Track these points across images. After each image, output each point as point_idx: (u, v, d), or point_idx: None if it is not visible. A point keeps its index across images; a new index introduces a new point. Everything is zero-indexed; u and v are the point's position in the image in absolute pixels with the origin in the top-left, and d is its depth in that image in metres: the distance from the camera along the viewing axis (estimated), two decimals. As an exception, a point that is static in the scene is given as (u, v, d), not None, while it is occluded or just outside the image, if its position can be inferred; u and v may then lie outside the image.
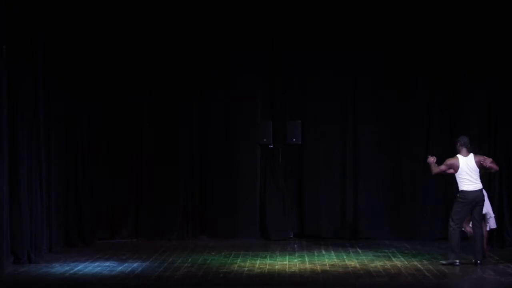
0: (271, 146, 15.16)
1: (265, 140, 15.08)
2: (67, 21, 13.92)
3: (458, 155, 12.01)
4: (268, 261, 12.55)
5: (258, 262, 12.48)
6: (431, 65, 14.84)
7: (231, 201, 15.25)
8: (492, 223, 12.45)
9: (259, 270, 11.76)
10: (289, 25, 15.10)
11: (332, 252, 13.49)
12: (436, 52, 14.78)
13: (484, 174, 12.20)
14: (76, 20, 14.16)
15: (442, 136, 14.69)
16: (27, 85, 12.56)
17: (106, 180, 15.03)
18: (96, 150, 14.84)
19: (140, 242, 14.84)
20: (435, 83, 14.89)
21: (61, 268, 11.97)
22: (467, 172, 11.88)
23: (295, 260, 12.67)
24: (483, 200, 11.99)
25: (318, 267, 12.00)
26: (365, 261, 12.50)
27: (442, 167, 12.10)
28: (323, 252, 13.52)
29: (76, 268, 11.93)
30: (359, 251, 13.61)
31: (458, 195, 11.96)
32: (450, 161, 12.05)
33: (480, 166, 11.95)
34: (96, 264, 12.32)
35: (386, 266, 12.01)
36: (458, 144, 12.06)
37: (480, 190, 11.94)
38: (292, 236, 15.12)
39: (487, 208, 12.26)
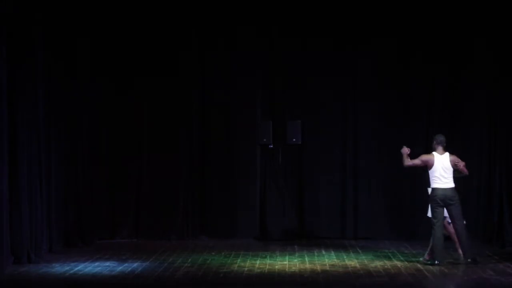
0: (271, 146, 15.16)
1: (265, 140, 15.08)
2: (67, 20, 13.91)
3: (434, 153, 12.11)
4: (268, 261, 12.55)
5: (258, 262, 12.48)
6: (431, 65, 14.83)
7: (231, 201, 15.26)
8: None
9: (259, 270, 11.76)
10: (289, 25, 15.10)
11: (332, 252, 13.49)
12: (436, 52, 14.77)
13: (454, 177, 12.15)
14: (76, 20, 14.15)
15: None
16: (27, 85, 12.54)
17: (106, 180, 15.04)
18: (96, 150, 14.85)
19: (140, 242, 14.84)
20: (435, 83, 14.90)
21: (61, 268, 11.96)
22: (441, 171, 11.94)
23: (295, 260, 12.67)
24: (456, 198, 11.93)
25: (318, 267, 11.99)
26: (365, 261, 12.50)
27: (416, 161, 12.16)
28: (323, 252, 13.51)
29: (76, 268, 11.92)
30: (359, 251, 13.61)
31: (429, 193, 12.05)
32: (425, 157, 12.14)
33: (454, 166, 11.99)
34: (96, 264, 12.32)
35: (386, 266, 12.00)
36: (435, 142, 12.16)
37: (452, 189, 11.95)
38: (292, 236, 15.12)
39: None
